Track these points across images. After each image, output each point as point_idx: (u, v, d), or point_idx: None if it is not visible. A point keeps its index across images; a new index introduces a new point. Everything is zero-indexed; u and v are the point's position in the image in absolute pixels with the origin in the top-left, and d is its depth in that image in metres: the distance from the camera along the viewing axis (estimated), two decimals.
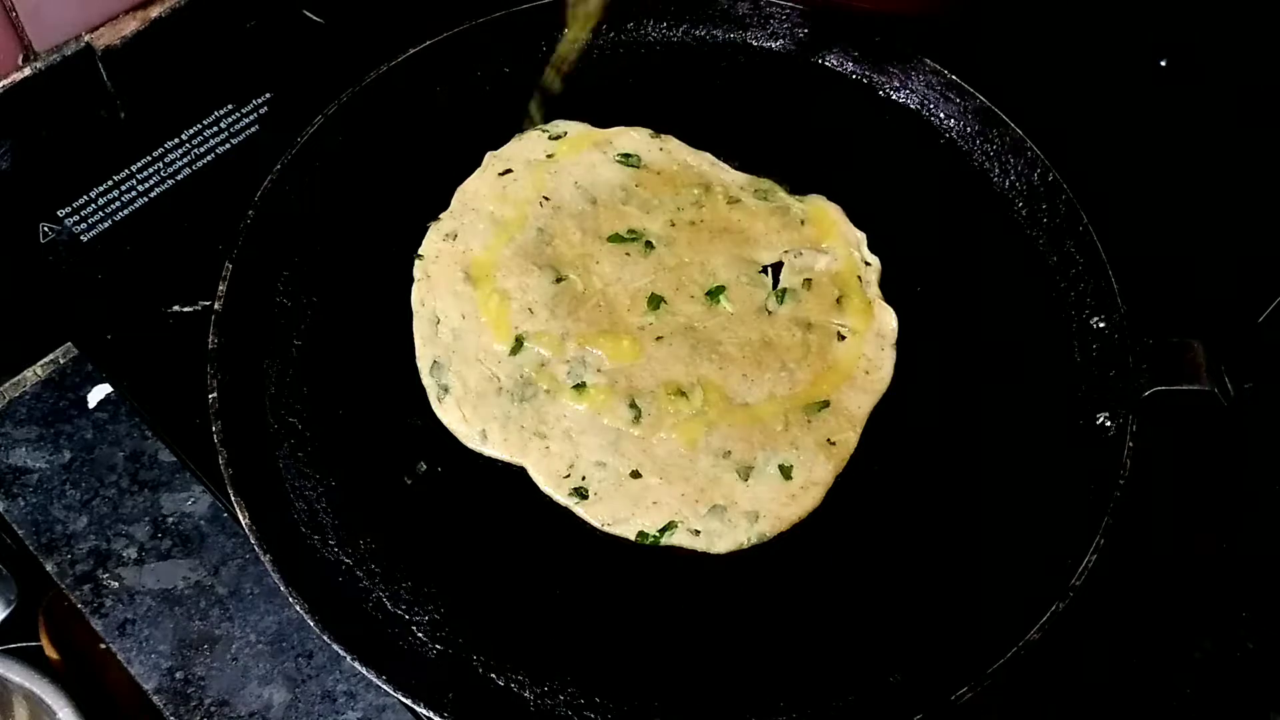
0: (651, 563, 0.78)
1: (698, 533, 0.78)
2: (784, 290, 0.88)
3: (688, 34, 1.03)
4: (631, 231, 0.90)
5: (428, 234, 0.90)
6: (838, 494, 0.81)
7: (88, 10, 0.93)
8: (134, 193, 0.96)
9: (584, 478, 0.80)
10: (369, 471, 0.80)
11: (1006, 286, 0.91)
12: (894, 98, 1.00)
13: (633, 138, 0.96)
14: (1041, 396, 0.85)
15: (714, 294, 0.88)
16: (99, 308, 0.91)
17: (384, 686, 0.69)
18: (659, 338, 0.86)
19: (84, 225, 0.95)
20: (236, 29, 1.04)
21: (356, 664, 0.69)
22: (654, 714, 0.72)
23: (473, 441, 0.81)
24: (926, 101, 0.99)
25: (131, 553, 0.83)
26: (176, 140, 0.99)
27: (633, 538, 0.78)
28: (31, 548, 0.83)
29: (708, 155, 0.96)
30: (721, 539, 0.78)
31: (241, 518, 0.74)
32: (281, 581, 0.71)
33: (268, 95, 1.02)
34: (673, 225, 0.91)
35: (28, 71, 0.91)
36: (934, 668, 0.73)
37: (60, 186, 0.96)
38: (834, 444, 0.82)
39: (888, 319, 0.88)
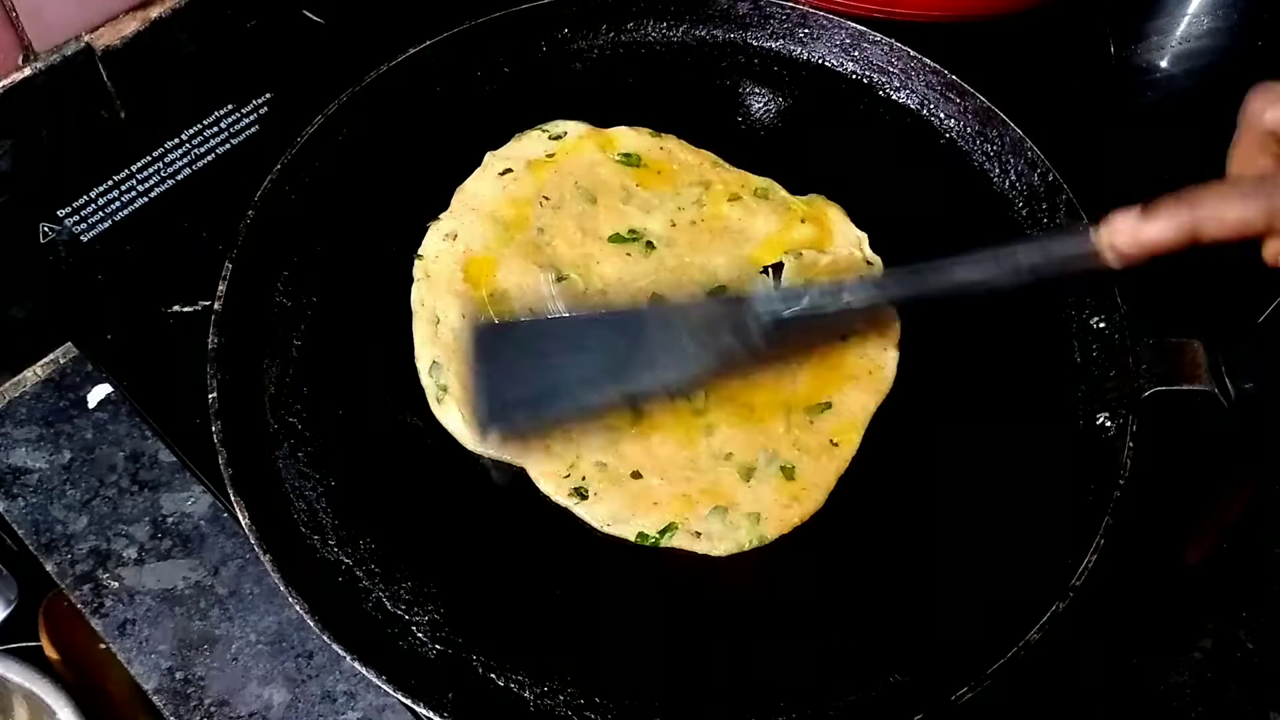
0: (651, 563, 0.78)
1: (699, 534, 0.78)
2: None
3: (688, 34, 1.03)
4: (632, 231, 0.90)
5: (428, 234, 0.90)
6: (838, 494, 0.81)
7: (88, 10, 0.93)
8: (134, 193, 0.96)
9: (584, 478, 0.80)
10: (369, 471, 0.80)
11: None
12: (894, 98, 1.00)
13: (633, 138, 0.96)
14: (1041, 396, 0.85)
15: (715, 294, 0.88)
16: (99, 308, 0.91)
17: (384, 686, 0.69)
18: None
19: (84, 225, 0.95)
20: (236, 29, 1.04)
21: (356, 664, 0.69)
22: (654, 714, 0.72)
23: (472, 442, 0.81)
24: (926, 101, 0.99)
25: (131, 553, 0.83)
26: (176, 140, 0.99)
27: (632, 539, 0.78)
28: (31, 548, 0.83)
29: (709, 155, 0.96)
30: (723, 541, 0.78)
31: (241, 518, 0.74)
32: (281, 581, 0.71)
33: (268, 95, 1.02)
34: (673, 225, 0.91)
35: (28, 71, 0.91)
36: (934, 668, 0.73)
37: (60, 186, 0.96)
38: (836, 445, 0.82)
39: (890, 319, 0.88)
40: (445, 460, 0.81)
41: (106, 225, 0.95)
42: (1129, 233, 0.65)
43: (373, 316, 0.86)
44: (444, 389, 0.82)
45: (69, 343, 0.92)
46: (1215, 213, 0.64)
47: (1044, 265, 0.69)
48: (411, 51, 0.95)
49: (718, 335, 0.76)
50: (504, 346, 0.79)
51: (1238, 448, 0.90)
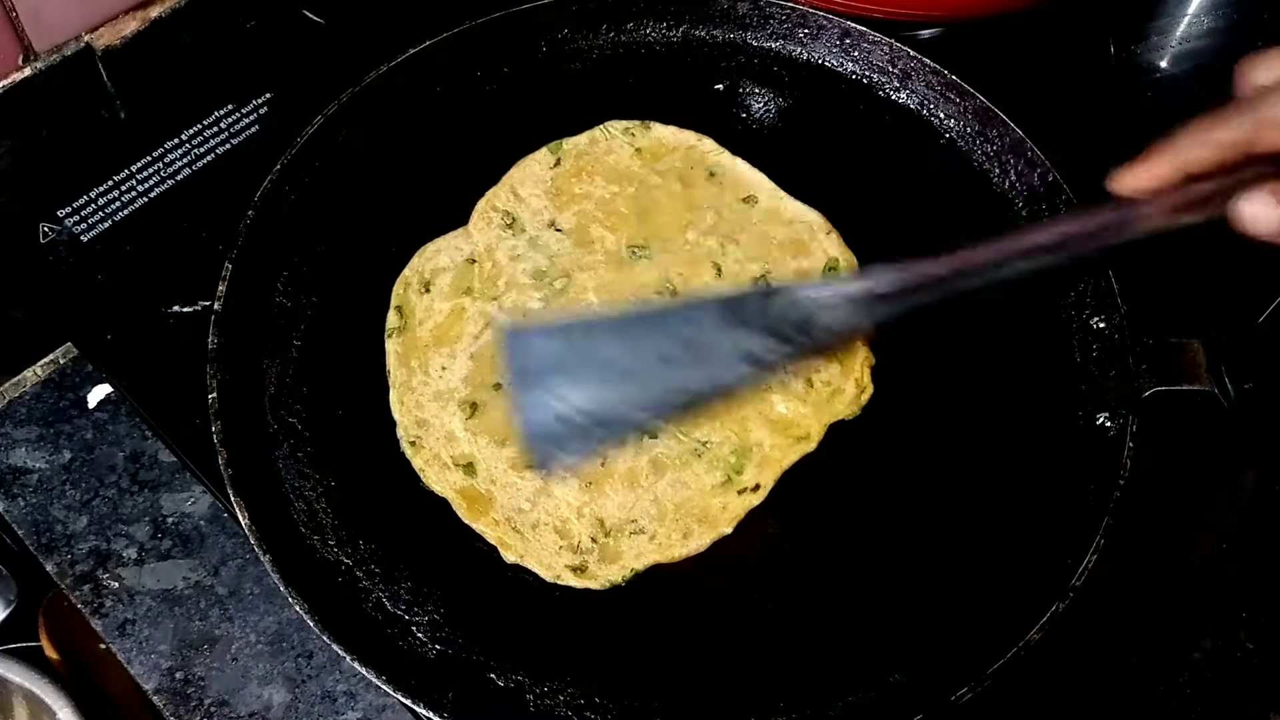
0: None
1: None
2: None
3: (688, 34, 1.03)
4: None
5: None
6: (839, 493, 0.81)
7: (88, 10, 0.93)
8: (134, 193, 0.96)
9: None
10: (369, 471, 0.80)
11: (1006, 287, 0.90)
12: (894, 98, 1.00)
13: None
14: (1041, 396, 0.85)
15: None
16: (99, 308, 0.91)
17: (384, 686, 0.69)
18: None
19: (84, 225, 0.95)
20: (236, 29, 1.04)
21: (356, 664, 0.69)
22: (654, 714, 0.72)
23: None
24: (926, 101, 0.99)
25: (131, 553, 0.83)
26: (176, 140, 0.99)
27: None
28: (31, 548, 0.83)
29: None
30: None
31: (241, 518, 0.74)
32: (281, 581, 0.71)
33: (268, 95, 1.02)
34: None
35: (28, 71, 0.91)
36: (934, 668, 0.73)
37: (60, 186, 0.96)
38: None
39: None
40: None
41: (106, 225, 0.95)
42: (1124, 183, 0.66)
43: (373, 316, 0.86)
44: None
45: (69, 343, 0.92)
46: (1198, 138, 0.65)
47: (1060, 244, 0.69)
48: (411, 51, 0.95)
49: (753, 329, 0.71)
50: (543, 357, 0.70)
51: (1238, 448, 0.90)
